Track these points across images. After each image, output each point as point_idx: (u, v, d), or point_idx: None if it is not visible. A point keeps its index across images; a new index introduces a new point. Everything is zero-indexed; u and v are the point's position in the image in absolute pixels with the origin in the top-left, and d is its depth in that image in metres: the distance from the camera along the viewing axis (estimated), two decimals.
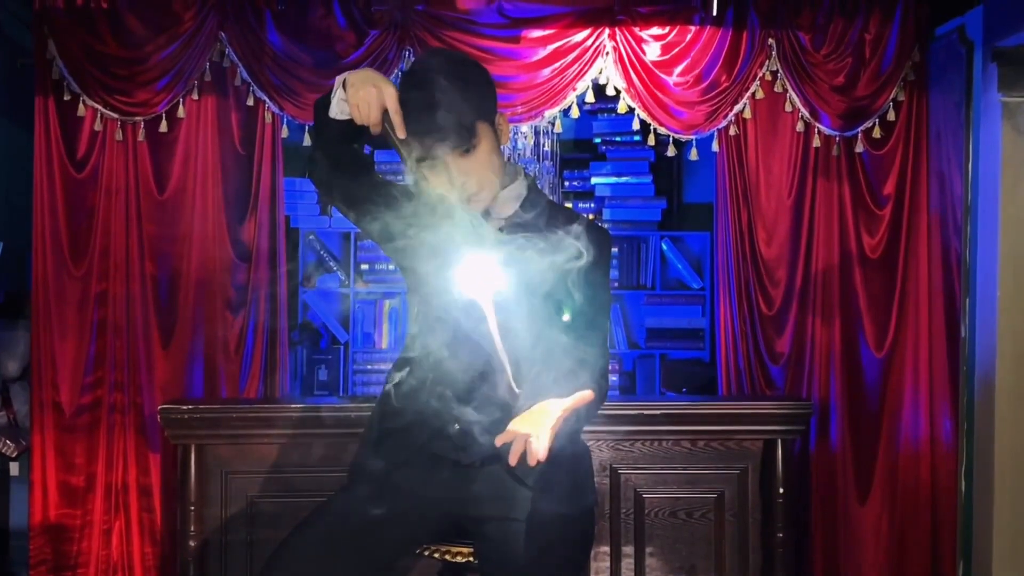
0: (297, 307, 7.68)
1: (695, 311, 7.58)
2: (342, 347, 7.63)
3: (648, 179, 7.64)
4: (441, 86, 2.88)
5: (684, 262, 7.67)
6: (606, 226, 7.26)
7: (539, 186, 3.35)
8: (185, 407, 4.69)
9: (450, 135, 2.87)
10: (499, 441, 2.70)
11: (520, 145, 6.86)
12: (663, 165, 7.71)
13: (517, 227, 3.07)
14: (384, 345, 7.64)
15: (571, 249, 2.94)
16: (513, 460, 2.65)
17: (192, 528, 4.69)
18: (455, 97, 2.88)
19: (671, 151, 5.86)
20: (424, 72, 2.94)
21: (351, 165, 3.14)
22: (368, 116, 2.91)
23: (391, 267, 7.57)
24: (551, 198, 3.42)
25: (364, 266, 7.67)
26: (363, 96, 2.90)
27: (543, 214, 3.10)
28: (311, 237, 7.67)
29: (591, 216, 7.42)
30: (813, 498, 5.71)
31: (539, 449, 2.60)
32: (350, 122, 3.01)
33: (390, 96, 2.89)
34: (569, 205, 7.54)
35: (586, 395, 2.85)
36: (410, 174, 3.01)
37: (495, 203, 3.07)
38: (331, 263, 7.68)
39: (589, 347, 3.00)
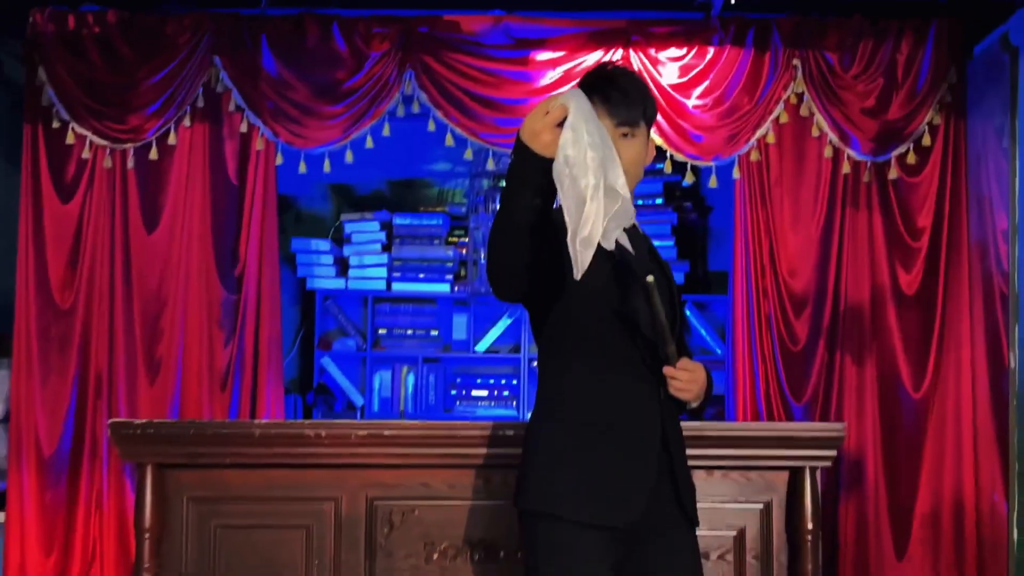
0: (313, 370, 7.09)
1: (718, 376, 6.71)
2: (358, 411, 7.01)
3: (671, 242, 6.92)
4: (641, 83, 2.98)
5: (708, 327, 6.98)
6: None
7: None
8: (138, 422, 3.96)
9: (628, 112, 2.86)
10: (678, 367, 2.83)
11: None
12: (686, 229, 7.06)
13: (637, 234, 3.04)
14: (402, 409, 7.02)
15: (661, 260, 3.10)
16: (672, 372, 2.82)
17: (147, 561, 3.89)
18: (648, 94, 2.95)
19: (688, 178, 5.39)
20: (629, 71, 3.04)
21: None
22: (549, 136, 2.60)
23: (409, 332, 6.99)
24: None
25: (382, 331, 7.03)
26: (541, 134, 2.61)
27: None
28: (327, 300, 7.02)
29: None
30: (843, 553, 5.18)
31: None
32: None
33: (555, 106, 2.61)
34: None
35: None
36: None
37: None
38: (347, 327, 7.05)
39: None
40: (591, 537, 2.80)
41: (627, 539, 2.86)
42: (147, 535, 3.93)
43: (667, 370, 2.79)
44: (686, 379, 2.82)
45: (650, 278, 2.72)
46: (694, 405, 2.96)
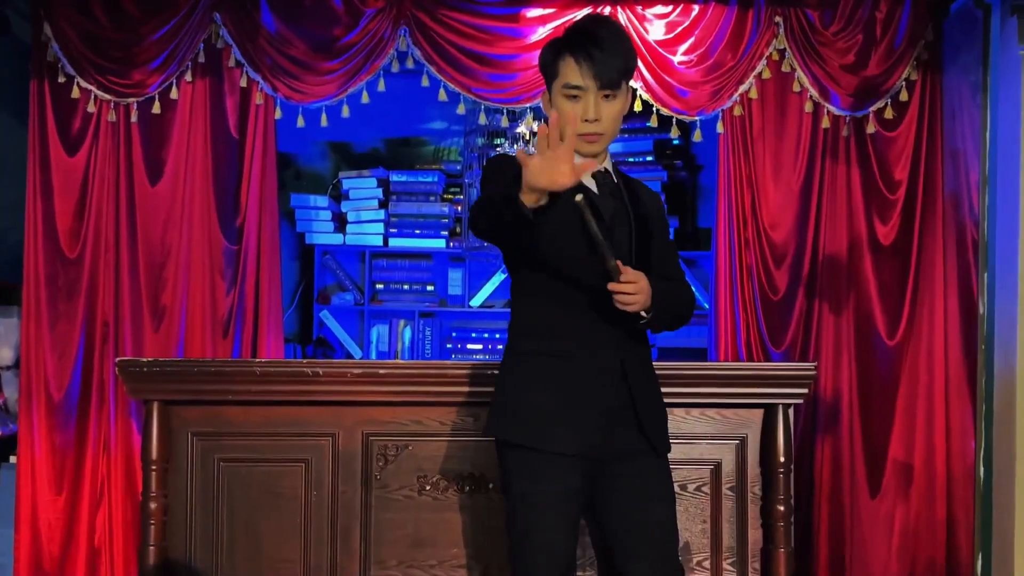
0: (312, 323, 7.14)
1: (702, 331, 6.80)
2: None
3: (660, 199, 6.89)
4: (625, 39, 3.05)
5: (696, 283, 6.93)
6: None
7: None
8: (144, 360, 4.05)
9: (611, 74, 2.94)
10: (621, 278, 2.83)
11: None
12: (676, 186, 7.07)
13: (606, 180, 3.10)
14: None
15: (654, 202, 3.20)
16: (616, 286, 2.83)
17: (153, 490, 3.99)
18: (630, 50, 3.03)
19: (674, 133, 5.39)
20: (614, 24, 3.16)
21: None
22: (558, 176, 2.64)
23: (405, 286, 7.06)
24: None
25: (379, 285, 7.08)
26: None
27: (623, 178, 3.19)
28: (326, 256, 7.05)
29: None
30: (819, 491, 5.17)
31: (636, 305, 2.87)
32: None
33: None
34: None
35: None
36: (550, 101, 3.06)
37: (601, 154, 3.10)
38: (346, 282, 7.07)
39: (678, 274, 3.30)
40: (554, 460, 2.92)
41: (592, 464, 2.97)
42: (153, 467, 4.02)
43: (611, 285, 2.81)
44: (631, 290, 2.82)
45: (579, 197, 2.72)
46: (646, 316, 2.91)
